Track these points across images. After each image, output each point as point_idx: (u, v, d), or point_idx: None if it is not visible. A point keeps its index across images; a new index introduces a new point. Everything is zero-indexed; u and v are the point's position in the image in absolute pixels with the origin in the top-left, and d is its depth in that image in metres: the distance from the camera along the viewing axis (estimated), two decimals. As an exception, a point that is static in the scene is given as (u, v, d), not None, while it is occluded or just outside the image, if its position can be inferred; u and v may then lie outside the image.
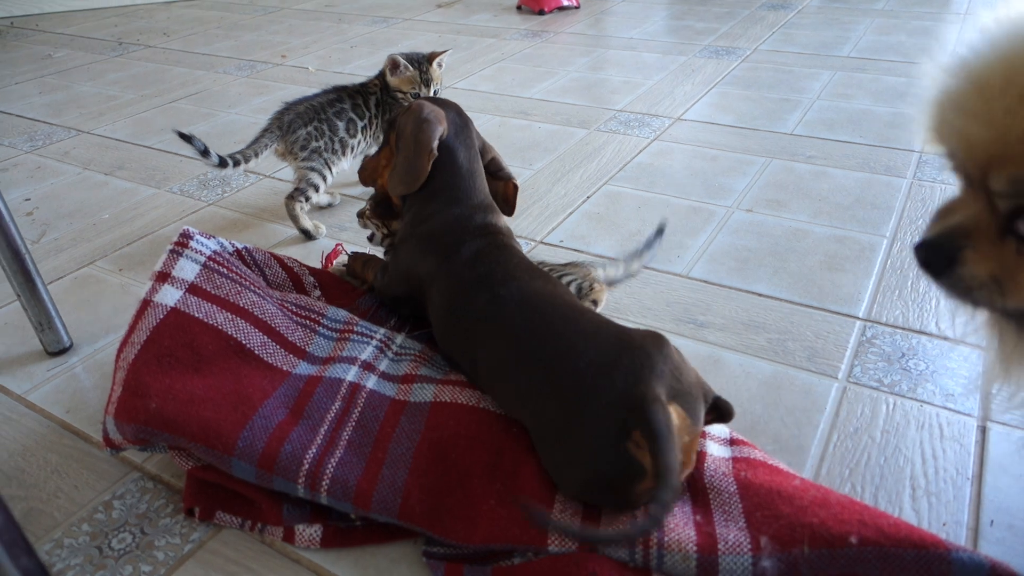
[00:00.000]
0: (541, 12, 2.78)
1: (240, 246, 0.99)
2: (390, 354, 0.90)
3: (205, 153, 1.23)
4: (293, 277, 1.02)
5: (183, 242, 0.90)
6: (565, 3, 2.81)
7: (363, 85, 1.35)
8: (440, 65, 1.34)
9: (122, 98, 2.06)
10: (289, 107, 1.29)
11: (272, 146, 1.27)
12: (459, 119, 0.95)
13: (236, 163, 1.25)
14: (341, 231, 1.30)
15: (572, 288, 1.01)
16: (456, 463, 0.74)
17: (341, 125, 1.29)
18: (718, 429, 0.78)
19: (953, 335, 0.96)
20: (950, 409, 0.84)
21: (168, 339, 0.81)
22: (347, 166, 1.33)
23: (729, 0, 2.86)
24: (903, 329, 0.98)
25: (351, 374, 0.84)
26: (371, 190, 1.08)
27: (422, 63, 1.30)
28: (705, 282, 1.10)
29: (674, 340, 0.96)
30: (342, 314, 0.95)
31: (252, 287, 0.91)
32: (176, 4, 3.23)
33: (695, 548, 0.63)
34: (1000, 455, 0.78)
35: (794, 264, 1.13)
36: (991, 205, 0.53)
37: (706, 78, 1.99)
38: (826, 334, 0.97)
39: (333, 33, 2.65)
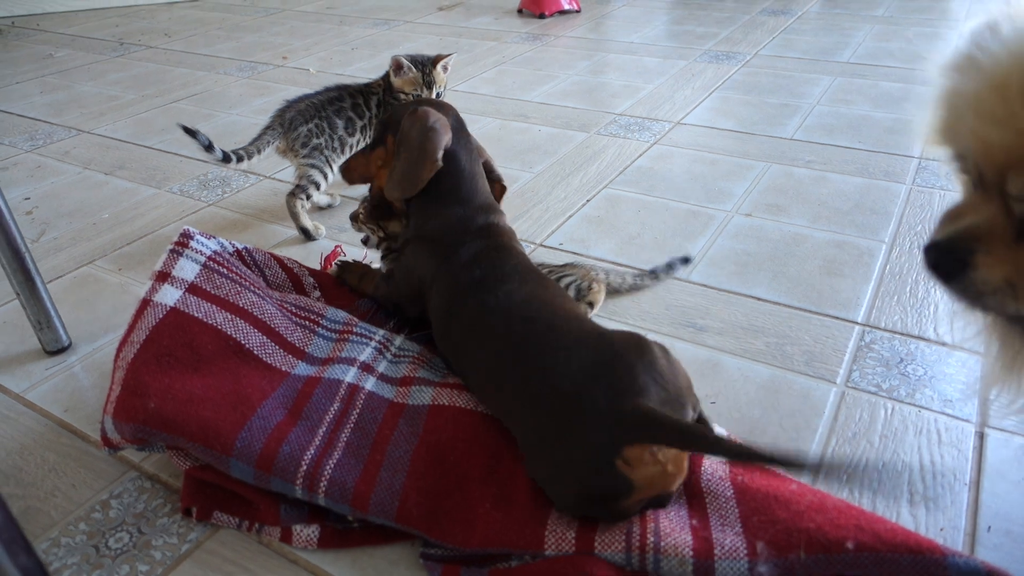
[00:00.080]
0: (542, 16, 2.79)
1: (240, 246, 0.99)
2: (389, 356, 0.90)
3: (209, 148, 1.23)
4: (293, 278, 1.02)
5: (183, 242, 0.91)
6: (566, 7, 2.82)
7: (367, 85, 1.36)
8: (445, 68, 1.33)
9: (123, 98, 2.06)
10: (290, 105, 1.30)
11: (274, 143, 1.28)
12: (458, 123, 0.95)
13: (240, 159, 1.26)
14: (340, 232, 1.30)
15: (571, 289, 1.01)
16: (454, 466, 0.74)
17: (340, 123, 1.30)
18: (716, 433, 0.78)
19: (951, 340, 0.96)
20: (948, 415, 0.84)
21: (167, 339, 0.81)
22: None
23: (729, 5, 2.87)
24: (901, 334, 0.98)
25: (350, 375, 0.84)
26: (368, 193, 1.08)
27: (426, 65, 1.30)
28: (704, 286, 1.10)
29: (673, 344, 0.97)
30: (341, 315, 0.96)
31: (252, 287, 0.91)
32: (178, 5, 3.23)
33: (691, 552, 0.63)
34: (998, 461, 0.78)
35: (793, 269, 1.14)
36: (1006, 208, 0.52)
37: (706, 83, 1.99)
38: (825, 339, 0.98)
39: (334, 35, 2.66)
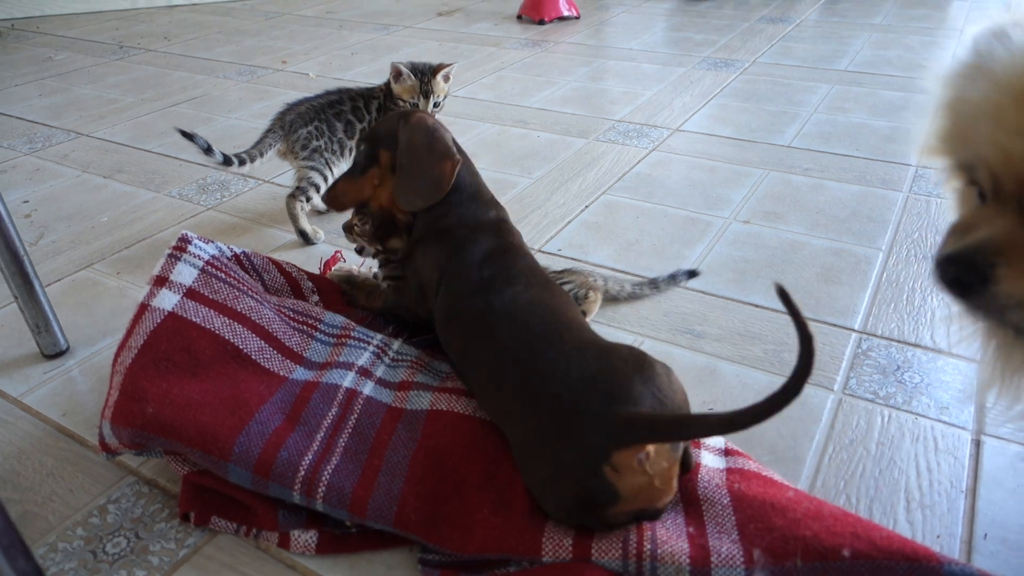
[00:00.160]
0: (541, 22, 2.80)
1: (239, 251, 0.99)
2: (387, 360, 0.90)
3: (208, 151, 1.24)
4: (291, 282, 1.02)
5: (181, 246, 0.91)
6: (565, 13, 2.83)
7: (369, 89, 1.36)
8: (447, 79, 1.33)
9: (122, 101, 2.06)
10: (291, 107, 1.31)
11: (275, 146, 1.29)
12: (440, 124, 0.96)
13: (241, 162, 1.26)
14: (339, 237, 1.30)
15: (568, 295, 1.01)
16: (452, 472, 0.74)
17: (340, 126, 1.30)
18: (713, 439, 0.78)
19: (948, 348, 0.96)
20: (944, 422, 0.85)
21: (165, 343, 0.81)
22: (346, 167, 1.34)
23: (728, 12, 2.88)
24: (898, 342, 0.98)
25: (348, 380, 0.84)
26: None
27: (426, 74, 1.30)
28: (702, 293, 1.10)
29: (671, 350, 0.97)
30: (339, 319, 0.96)
31: (250, 292, 0.91)
32: (177, 8, 3.24)
33: (688, 560, 0.63)
34: (994, 468, 0.78)
35: (791, 276, 1.14)
36: None
37: (705, 90, 2.00)
38: (822, 346, 0.98)
39: (334, 39, 2.66)
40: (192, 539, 0.73)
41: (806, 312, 1.05)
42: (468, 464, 0.75)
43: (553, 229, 1.30)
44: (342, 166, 1.33)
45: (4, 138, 1.82)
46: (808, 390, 0.90)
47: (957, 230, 0.55)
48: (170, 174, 1.58)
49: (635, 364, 0.69)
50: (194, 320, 0.84)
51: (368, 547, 0.72)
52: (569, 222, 1.32)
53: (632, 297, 1.08)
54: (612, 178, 1.49)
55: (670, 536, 0.66)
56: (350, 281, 1.05)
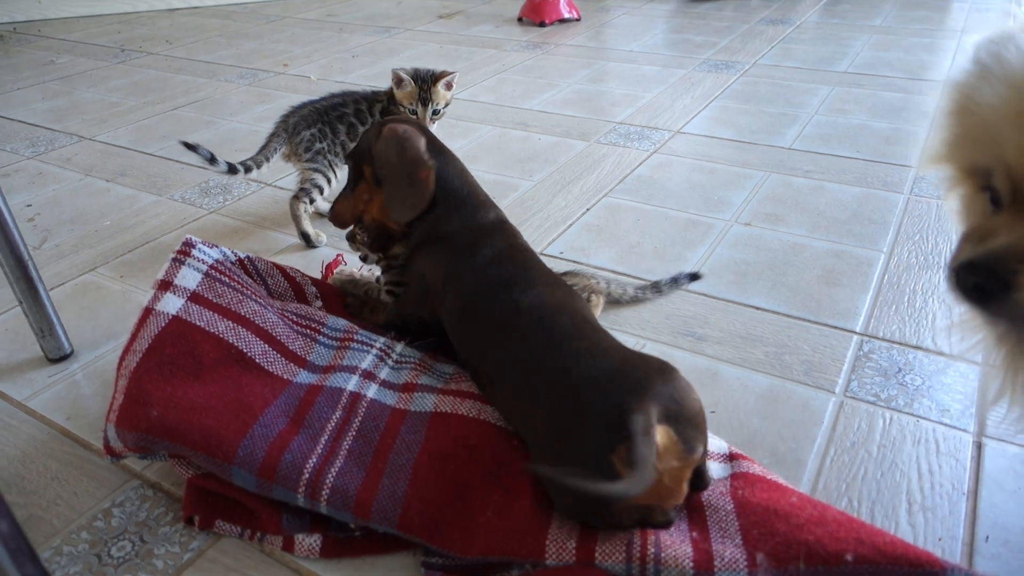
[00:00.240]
0: (542, 24, 2.80)
1: (242, 255, 0.99)
2: (390, 362, 0.91)
3: (212, 160, 1.24)
4: (295, 287, 1.03)
5: (185, 251, 0.91)
6: (566, 15, 2.83)
7: (374, 93, 1.37)
8: (449, 86, 1.32)
9: (124, 105, 2.06)
10: (294, 110, 1.32)
11: (280, 150, 1.30)
12: (423, 129, 0.96)
13: (248, 169, 1.27)
14: (341, 240, 1.31)
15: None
16: (456, 474, 0.74)
17: (342, 128, 1.31)
18: (716, 444, 0.78)
19: (950, 351, 0.96)
20: (946, 424, 0.85)
21: (170, 347, 0.81)
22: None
23: (728, 14, 2.88)
24: (900, 344, 0.99)
25: (352, 383, 0.85)
26: None
27: (426, 81, 1.30)
28: (704, 295, 1.11)
29: (673, 353, 0.97)
30: (342, 323, 0.96)
31: (253, 296, 0.91)
32: (179, 11, 3.24)
33: (691, 564, 0.64)
34: (995, 471, 0.79)
35: (792, 278, 1.14)
36: None
37: (705, 92, 2.00)
38: (823, 348, 0.98)
39: (335, 42, 2.67)
40: (196, 543, 0.73)
41: (807, 314, 1.05)
42: (472, 466, 0.75)
43: (555, 232, 1.30)
44: (345, 169, 1.34)
45: (7, 142, 1.82)
46: (810, 393, 0.91)
47: (973, 237, 0.54)
48: (172, 177, 1.59)
49: (658, 366, 0.70)
50: (198, 324, 0.84)
51: (372, 551, 0.72)
52: (571, 225, 1.33)
53: (634, 300, 1.08)
54: (613, 180, 1.50)
55: (674, 540, 0.66)
56: (353, 288, 1.06)
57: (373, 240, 1.01)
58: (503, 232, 0.91)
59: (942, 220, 1.29)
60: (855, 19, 2.74)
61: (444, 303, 0.88)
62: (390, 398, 0.84)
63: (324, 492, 0.72)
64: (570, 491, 0.67)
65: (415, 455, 0.77)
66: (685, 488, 0.67)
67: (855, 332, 1.01)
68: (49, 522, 0.76)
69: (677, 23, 2.80)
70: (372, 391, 0.85)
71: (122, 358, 0.82)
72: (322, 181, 1.29)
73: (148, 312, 0.84)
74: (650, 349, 0.99)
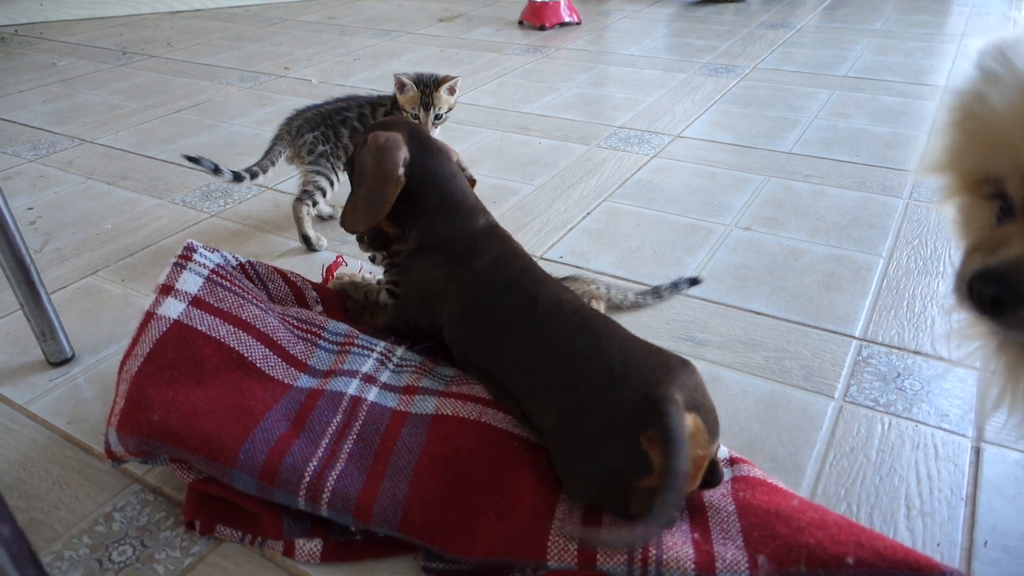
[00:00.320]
0: (542, 27, 2.81)
1: (243, 260, 0.99)
2: (391, 366, 0.91)
3: (217, 171, 1.26)
4: (296, 291, 1.03)
5: (187, 255, 0.91)
6: (566, 19, 2.84)
7: (379, 97, 1.37)
8: (452, 91, 1.33)
9: (126, 108, 2.07)
10: (298, 113, 1.33)
11: (285, 152, 1.31)
12: (416, 133, 0.96)
13: (253, 175, 1.28)
14: (342, 244, 1.31)
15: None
16: (457, 476, 0.75)
17: (345, 132, 1.32)
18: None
19: (948, 356, 0.97)
20: (945, 429, 0.85)
21: (171, 351, 0.82)
22: None
23: (729, 18, 2.89)
24: (899, 349, 0.99)
25: (352, 387, 0.85)
26: None
27: (429, 85, 1.31)
28: (703, 300, 1.11)
29: (673, 358, 0.98)
30: (343, 327, 0.96)
31: (255, 301, 0.91)
32: (180, 14, 3.25)
33: (693, 566, 0.64)
34: (994, 476, 0.79)
35: (792, 283, 1.14)
36: None
37: (705, 95, 2.01)
38: (823, 353, 0.98)
39: (336, 45, 2.67)
40: (197, 547, 0.74)
41: (807, 319, 1.05)
42: (473, 469, 0.75)
43: (555, 236, 1.31)
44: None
45: (9, 144, 1.83)
46: (809, 397, 0.91)
47: (984, 246, 0.53)
48: (173, 181, 1.59)
49: (679, 359, 0.72)
50: (200, 328, 0.84)
51: (373, 555, 0.72)
52: (571, 229, 1.33)
53: (635, 306, 1.09)
54: (613, 185, 1.50)
55: (676, 542, 0.66)
56: (353, 291, 1.06)
57: (371, 242, 1.02)
58: (497, 237, 0.92)
59: (941, 225, 1.30)
60: (855, 23, 2.74)
61: (443, 310, 0.89)
62: (391, 400, 0.85)
63: (325, 495, 0.72)
64: (588, 474, 0.68)
65: (416, 457, 0.77)
66: (699, 479, 0.69)
67: (854, 337, 1.02)
68: (50, 526, 0.76)
69: (677, 27, 2.81)
70: (373, 394, 0.85)
71: (123, 362, 0.82)
72: (324, 183, 1.30)
73: (149, 316, 0.84)
74: (650, 353, 0.99)
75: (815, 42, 2.51)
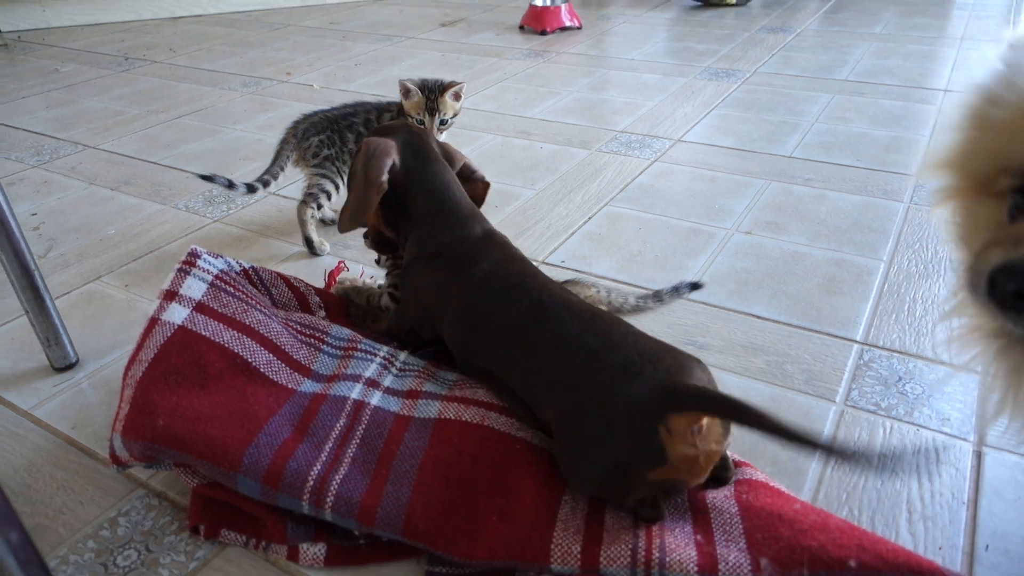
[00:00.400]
0: (543, 32, 2.81)
1: (247, 265, 1.00)
2: (394, 370, 0.91)
3: (231, 186, 1.28)
4: (299, 297, 1.03)
5: (191, 261, 0.92)
6: (567, 23, 2.85)
7: (387, 104, 1.38)
8: (457, 97, 1.33)
9: (128, 113, 2.08)
10: (305, 117, 1.35)
11: (292, 157, 1.32)
12: (413, 139, 0.96)
13: (265, 184, 1.30)
14: (345, 249, 1.31)
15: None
16: (460, 480, 0.75)
17: (351, 137, 1.33)
18: (718, 452, 0.79)
19: (949, 359, 0.97)
20: (946, 433, 0.85)
21: (175, 357, 0.82)
22: None
23: (729, 22, 2.90)
24: (900, 353, 0.99)
25: (356, 392, 0.85)
26: None
27: (433, 91, 1.31)
28: (705, 304, 1.11)
29: (674, 362, 0.98)
30: (345, 332, 0.97)
31: (258, 306, 0.92)
32: (182, 20, 3.26)
33: (696, 568, 0.64)
34: (995, 480, 0.79)
35: (792, 287, 1.15)
36: None
37: (706, 100, 2.02)
38: (824, 357, 0.99)
39: (338, 50, 2.68)
40: (202, 552, 0.74)
41: (808, 323, 1.06)
42: (476, 472, 0.75)
43: (556, 241, 1.31)
44: None
45: (12, 150, 1.83)
46: (810, 401, 0.91)
47: (1002, 241, 0.52)
48: (176, 186, 1.60)
49: (693, 358, 0.73)
50: (204, 334, 0.85)
51: (376, 559, 0.73)
52: (572, 233, 1.34)
53: (636, 310, 1.09)
54: (615, 189, 1.50)
55: (679, 544, 0.67)
56: (356, 296, 1.07)
57: (374, 242, 1.03)
58: (495, 243, 0.92)
59: (943, 228, 1.30)
60: (855, 27, 2.75)
61: (445, 317, 0.89)
62: (394, 405, 0.85)
63: (329, 499, 0.72)
64: (601, 463, 0.69)
65: (419, 461, 0.77)
66: (708, 472, 0.70)
67: (855, 341, 1.02)
68: (55, 531, 0.77)
69: (678, 31, 2.82)
70: (376, 398, 0.85)
71: (128, 368, 0.83)
72: (329, 187, 1.31)
73: (154, 322, 0.85)
74: (652, 358, 0.99)
75: (815, 46, 2.51)
